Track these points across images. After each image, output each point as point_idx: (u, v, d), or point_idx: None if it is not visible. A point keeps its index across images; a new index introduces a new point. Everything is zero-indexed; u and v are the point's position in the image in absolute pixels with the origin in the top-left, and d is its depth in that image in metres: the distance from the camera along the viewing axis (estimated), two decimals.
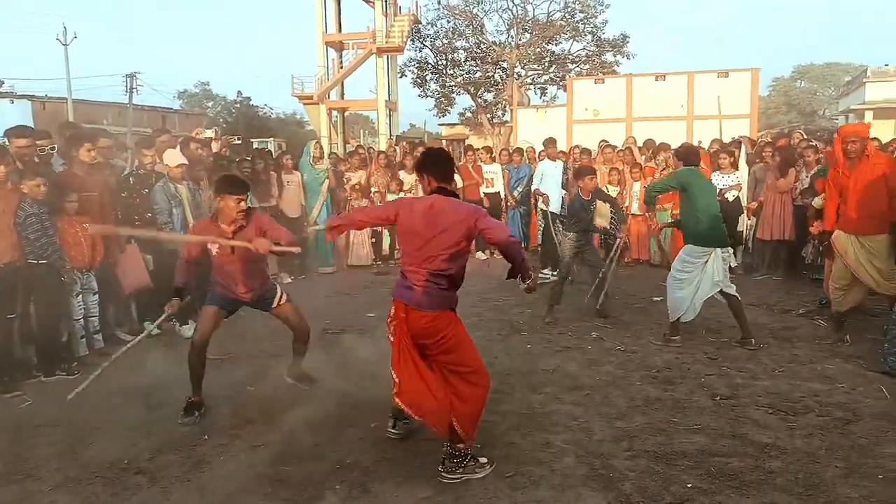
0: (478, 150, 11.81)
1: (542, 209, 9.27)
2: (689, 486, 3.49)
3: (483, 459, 3.72)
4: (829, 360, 5.45)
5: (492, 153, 11.51)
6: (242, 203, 4.57)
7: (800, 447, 3.90)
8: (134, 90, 37.84)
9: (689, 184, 5.89)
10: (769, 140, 11.33)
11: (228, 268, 4.65)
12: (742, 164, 9.35)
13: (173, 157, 6.66)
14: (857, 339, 5.94)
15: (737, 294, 5.93)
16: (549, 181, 9.31)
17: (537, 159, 10.75)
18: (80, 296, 5.80)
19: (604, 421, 4.33)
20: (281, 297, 4.95)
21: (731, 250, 6.09)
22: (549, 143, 9.86)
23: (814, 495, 3.38)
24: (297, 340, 5.01)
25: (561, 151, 10.36)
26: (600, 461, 3.79)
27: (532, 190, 9.81)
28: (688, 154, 6.25)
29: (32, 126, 8.10)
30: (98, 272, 6.03)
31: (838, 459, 3.74)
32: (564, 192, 9.33)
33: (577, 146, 12.28)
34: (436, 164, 3.88)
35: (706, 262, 5.81)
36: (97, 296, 6.01)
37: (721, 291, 5.87)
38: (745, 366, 5.37)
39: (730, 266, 6.04)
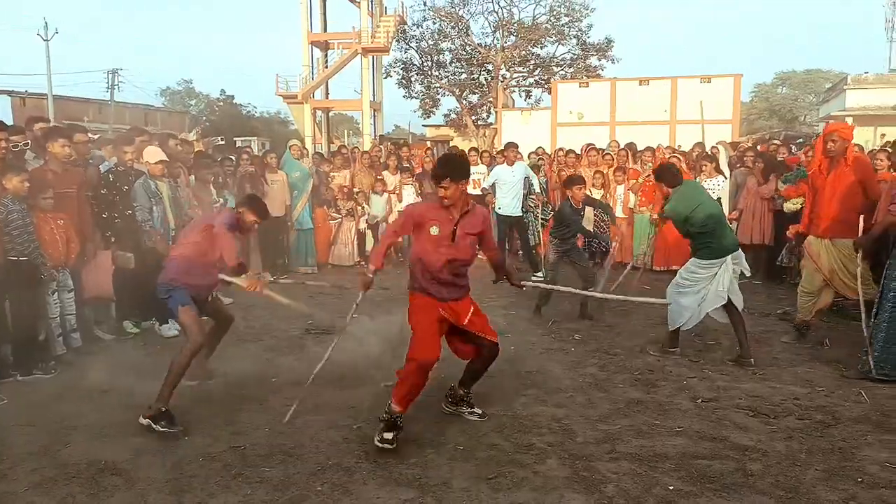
0: (468, 150, 11.81)
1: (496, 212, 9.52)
2: (670, 488, 3.50)
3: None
4: (808, 364, 5.50)
5: (480, 154, 11.49)
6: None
7: (780, 450, 3.92)
8: (115, 87, 37.51)
9: (692, 205, 5.54)
10: (750, 145, 11.43)
11: (208, 262, 4.63)
12: (724, 168, 9.40)
13: (154, 154, 6.59)
14: (836, 344, 6.00)
15: (742, 310, 5.66)
16: (503, 186, 9.43)
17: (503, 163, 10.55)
18: (56, 294, 5.71)
19: (586, 423, 4.33)
20: None
21: (742, 255, 5.69)
22: (508, 147, 9.97)
23: (794, 498, 3.40)
24: (222, 332, 5.09)
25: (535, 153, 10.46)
26: (583, 463, 3.79)
27: (482, 190, 9.94)
28: (670, 176, 5.78)
29: (11, 122, 7.98)
30: (73, 270, 5.94)
31: (818, 462, 3.77)
32: (537, 191, 9.52)
33: (560, 148, 12.32)
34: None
35: (715, 273, 5.49)
36: (73, 293, 5.92)
37: (725, 305, 5.56)
38: (727, 369, 5.40)
39: (742, 274, 5.68)
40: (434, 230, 4.08)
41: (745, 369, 5.36)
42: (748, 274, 5.83)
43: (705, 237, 5.50)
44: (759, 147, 10.45)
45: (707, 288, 5.52)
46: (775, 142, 12.15)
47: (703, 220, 5.45)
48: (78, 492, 3.54)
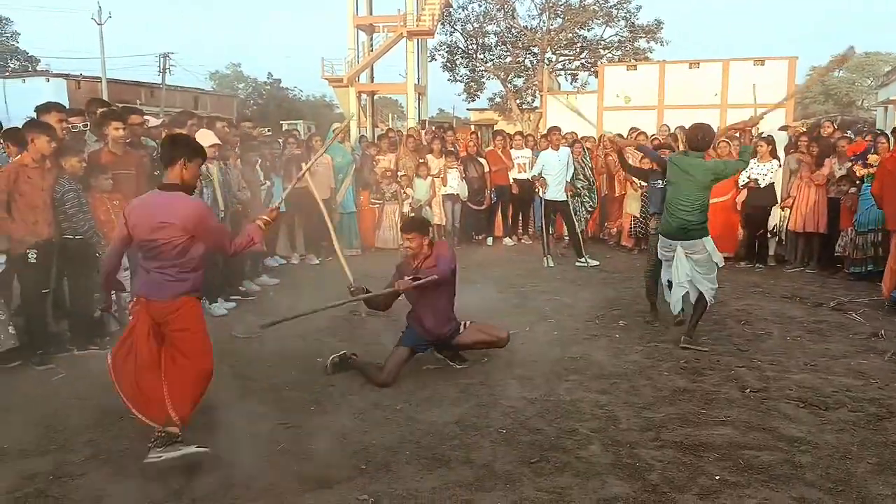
0: (513, 135, 11.71)
1: (540, 197, 9.41)
2: (716, 478, 3.45)
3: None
4: (862, 356, 5.35)
5: (525, 138, 11.38)
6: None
7: (831, 442, 3.83)
8: (167, 70, 38.20)
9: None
10: (804, 130, 11.09)
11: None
12: (780, 153, 9.16)
13: (206, 137, 6.70)
14: (892, 335, 5.82)
15: (709, 301, 5.60)
16: (550, 171, 9.29)
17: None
18: None
19: (630, 410, 4.30)
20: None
21: (704, 246, 5.51)
22: (552, 131, 9.89)
23: (844, 491, 3.32)
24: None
25: (563, 136, 10.25)
26: (626, 450, 3.76)
27: (531, 177, 9.81)
28: (693, 137, 5.69)
29: (67, 104, 8.19)
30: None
31: (870, 455, 3.67)
32: (568, 180, 9.34)
33: (609, 131, 12.15)
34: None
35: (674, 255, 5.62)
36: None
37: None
38: (777, 359, 5.28)
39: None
40: None
41: (795, 359, 5.23)
42: (720, 263, 5.63)
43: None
44: (814, 133, 10.10)
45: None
46: (829, 121, 11.76)
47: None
48: (130, 464, 3.65)
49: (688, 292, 5.60)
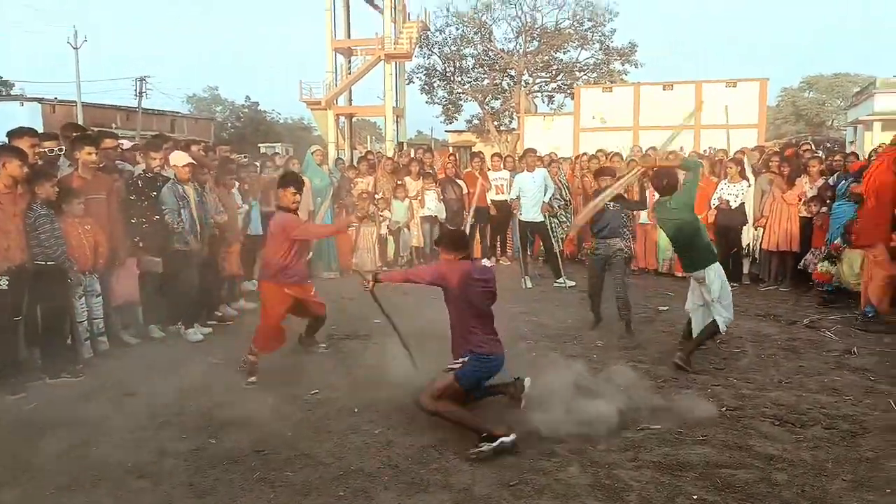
0: (492, 156, 11.79)
1: (518, 218, 9.53)
2: (694, 497, 3.47)
3: None
4: (836, 372, 5.41)
5: (503, 160, 11.46)
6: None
7: (806, 459, 3.87)
8: (143, 94, 37.98)
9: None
10: (776, 150, 11.31)
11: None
12: (748, 173, 9.31)
13: (181, 158, 6.69)
14: (864, 351, 5.91)
15: (721, 329, 5.60)
16: (526, 193, 9.42)
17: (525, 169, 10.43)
18: (84, 298, 5.80)
19: (609, 431, 4.30)
20: None
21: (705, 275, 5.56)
22: (528, 153, 10.00)
23: None
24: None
25: (539, 158, 10.38)
26: (605, 471, 3.76)
27: (509, 200, 9.93)
28: (658, 185, 5.77)
29: (42, 128, 8.13)
30: (102, 275, 6.04)
31: (845, 472, 3.71)
32: (546, 200, 9.45)
33: (584, 153, 12.29)
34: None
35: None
36: (101, 298, 6.01)
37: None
38: (752, 377, 5.33)
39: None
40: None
41: (770, 377, 5.29)
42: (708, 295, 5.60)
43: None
44: (786, 153, 10.31)
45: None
46: (808, 143, 12.02)
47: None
48: (104, 494, 3.59)
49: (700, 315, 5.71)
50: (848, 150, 12.20)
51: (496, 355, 4.33)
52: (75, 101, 34.85)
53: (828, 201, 8.08)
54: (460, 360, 4.26)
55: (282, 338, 5.66)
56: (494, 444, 3.90)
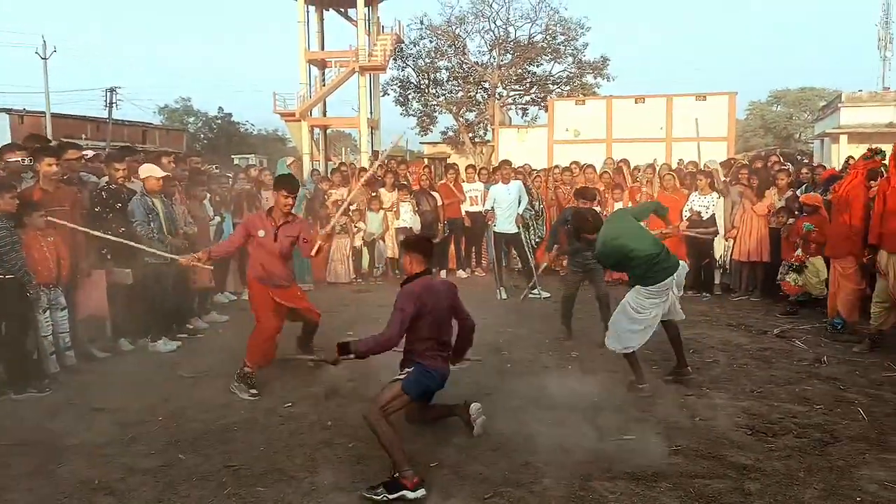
0: (467, 167, 11.82)
1: (493, 230, 9.60)
2: None
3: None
4: (806, 382, 5.48)
5: (478, 171, 11.49)
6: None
7: (778, 468, 3.90)
8: (114, 105, 37.52)
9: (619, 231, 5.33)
10: (745, 163, 11.50)
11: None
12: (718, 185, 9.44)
13: (153, 170, 6.61)
14: (834, 361, 5.99)
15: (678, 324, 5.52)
16: (500, 205, 9.52)
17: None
18: (48, 312, 5.67)
19: (584, 442, 4.30)
20: None
21: (680, 271, 5.35)
22: (502, 164, 10.12)
23: None
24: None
25: (515, 170, 10.46)
26: (580, 483, 3.75)
27: (484, 211, 9.98)
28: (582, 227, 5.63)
29: (10, 139, 7.98)
30: (66, 289, 5.91)
31: (816, 481, 3.74)
32: (520, 211, 9.54)
33: (556, 166, 12.38)
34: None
35: (666, 299, 5.28)
36: (66, 311, 5.88)
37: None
38: (725, 386, 5.37)
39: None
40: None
41: (741, 386, 5.34)
42: (678, 293, 5.44)
43: (639, 252, 5.22)
44: (755, 165, 10.49)
45: (658, 313, 5.26)
46: (776, 155, 12.21)
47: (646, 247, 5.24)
48: None
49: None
50: (815, 164, 12.42)
51: (438, 370, 4.16)
52: (44, 112, 34.32)
53: (795, 213, 8.20)
54: (405, 370, 4.12)
55: (273, 353, 5.48)
56: (392, 496, 3.58)
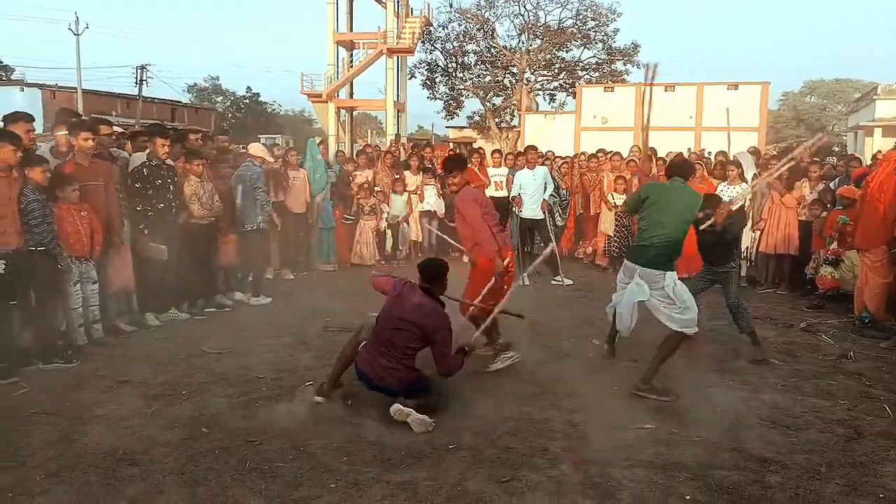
0: (492, 152, 11.76)
1: (517, 215, 9.60)
2: (687, 498, 3.45)
3: None
4: (831, 377, 5.40)
5: (503, 156, 11.42)
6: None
7: (800, 463, 3.86)
8: (144, 82, 37.85)
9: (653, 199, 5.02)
10: (776, 153, 11.30)
11: None
12: (748, 176, 9.29)
13: (262, 150, 7.81)
14: (860, 356, 5.90)
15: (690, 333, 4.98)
16: (526, 190, 9.51)
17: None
18: (79, 284, 5.77)
19: (602, 429, 4.28)
20: None
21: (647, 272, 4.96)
22: (528, 150, 10.03)
23: None
24: None
25: (540, 155, 10.49)
26: (598, 469, 3.75)
27: (511, 197, 9.97)
28: (674, 168, 5.34)
29: (41, 114, 8.08)
30: (99, 262, 6.01)
31: (839, 476, 3.70)
32: (546, 197, 9.51)
33: (583, 152, 12.27)
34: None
35: (630, 284, 5.02)
36: (97, 285, 5.97)
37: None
38: (748, 379, 5.31)
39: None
40: None
41: (765, 379, 5.28)
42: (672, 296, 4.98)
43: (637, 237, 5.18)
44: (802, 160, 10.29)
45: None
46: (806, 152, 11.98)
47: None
48: (94, 481, 3.56)
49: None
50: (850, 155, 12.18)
51: (360, 370, 4.57)
52: (76, 88, 34.76)
53: (828, 206, 8.06)
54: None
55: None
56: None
